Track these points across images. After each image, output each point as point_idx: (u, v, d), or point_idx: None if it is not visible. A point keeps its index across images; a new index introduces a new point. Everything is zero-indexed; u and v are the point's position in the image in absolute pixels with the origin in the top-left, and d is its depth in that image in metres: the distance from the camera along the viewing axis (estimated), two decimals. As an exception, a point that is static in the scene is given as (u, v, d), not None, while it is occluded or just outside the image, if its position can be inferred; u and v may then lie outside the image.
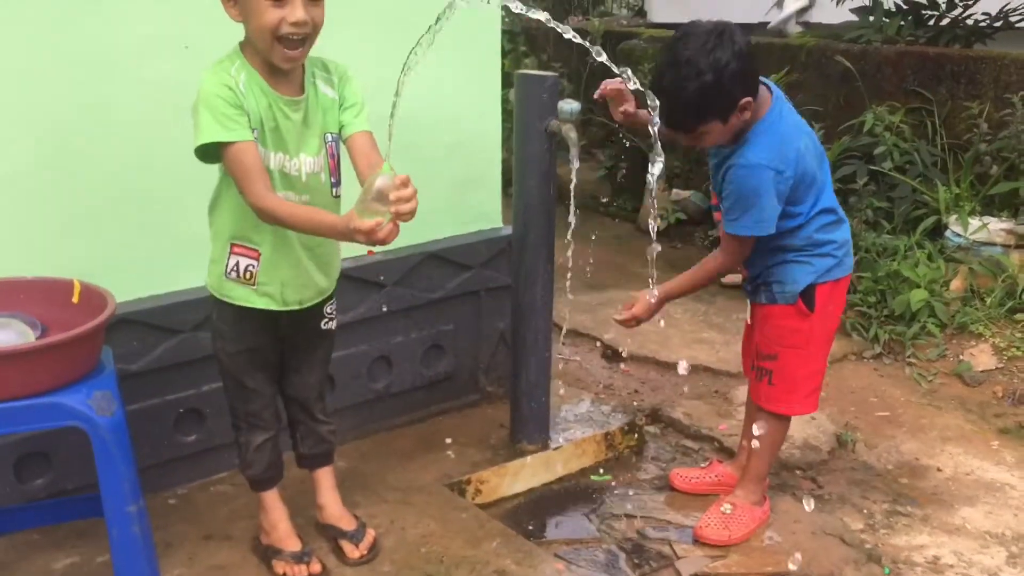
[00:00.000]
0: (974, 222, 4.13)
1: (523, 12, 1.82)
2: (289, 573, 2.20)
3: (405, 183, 1.69)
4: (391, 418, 2.91)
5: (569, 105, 2.49)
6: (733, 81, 2.20)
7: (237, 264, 2.02)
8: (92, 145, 2.28)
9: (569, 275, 2.78)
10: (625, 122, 2.54)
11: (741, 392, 3.32)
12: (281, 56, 1.88)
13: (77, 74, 2.23)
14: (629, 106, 2.50)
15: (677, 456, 3.05)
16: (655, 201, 2.37)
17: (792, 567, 2.45)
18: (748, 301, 2.61)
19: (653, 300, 2.47)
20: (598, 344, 3.92)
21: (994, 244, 4.10)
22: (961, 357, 3.78)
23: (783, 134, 2.30)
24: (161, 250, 2.41)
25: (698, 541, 2.55)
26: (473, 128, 2.91)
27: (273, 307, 2.07)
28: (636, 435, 3.00)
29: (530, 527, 2.59)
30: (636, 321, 2.50)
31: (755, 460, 2.62)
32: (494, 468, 2.69)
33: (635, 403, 3.40)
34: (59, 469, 2.36)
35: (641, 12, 9.13)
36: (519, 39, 6.38)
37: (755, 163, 2.27)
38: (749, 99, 2.26)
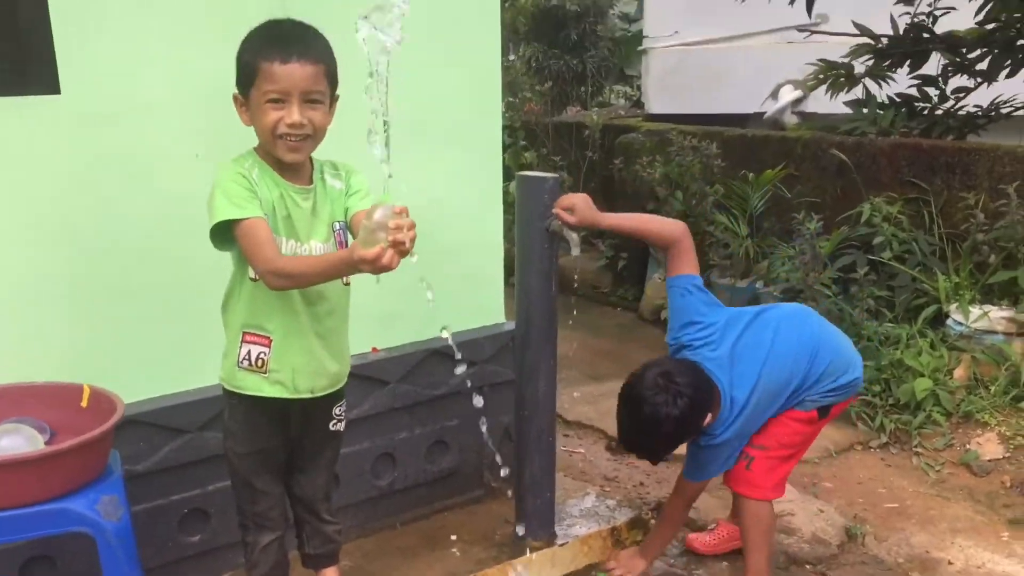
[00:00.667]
0: (975, 311, 4.15)
1: None
2: None
3: (403, 212, 1.74)
4: (395, 515, 2.90)
5: None
6: (693, 419, 2.43)
7: (249, 352, 2.06)
8: (102, 251, 2.34)
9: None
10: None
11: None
12: (284, 149, 1.97)
13: (93, 181, 2.31)
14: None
15: (684, 551, 3.02)
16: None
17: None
18: None
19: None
20: (602, 436, 3.92)
21: (996, 332, 4.12)
22: (968, 446, 3.77)
23: (739, 419, 2.49)
24: (167, 352, 2.45)
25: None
26: (475, 224, 2.97)
27: (284, 395, 2.08)
28: (643, 530, 2.98)
29: (535, 628, 2.56)
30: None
31: (751, 554, 2.63)
32: (499, 566, 2.66)
33: (640, 496, 3.38)
34: (64, 572, 2.34)
35: (639, 103, 9.36)
36: (519, 133, 6.54)
37: (720, 441, 2.50)
38: (709, 415, 2.46)
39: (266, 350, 2.06)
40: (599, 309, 5.86)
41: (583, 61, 8.92)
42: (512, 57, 9.71)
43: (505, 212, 3.20)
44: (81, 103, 2.27)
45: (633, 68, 10.08)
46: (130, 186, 2.36)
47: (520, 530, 2.79)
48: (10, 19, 2.15)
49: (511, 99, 6.99)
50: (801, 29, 5.74)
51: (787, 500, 3.34)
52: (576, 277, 6.00)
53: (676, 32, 8.62)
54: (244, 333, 2.06)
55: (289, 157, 1.99)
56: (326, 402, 2.18)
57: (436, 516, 2.98)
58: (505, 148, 6.31)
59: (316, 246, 2.05)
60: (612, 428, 3.89)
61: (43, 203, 2.26)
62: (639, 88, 9.74)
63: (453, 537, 2.86)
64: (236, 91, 2.00)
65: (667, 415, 2.36)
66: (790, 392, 2.54)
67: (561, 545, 2.80)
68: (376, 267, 1.75)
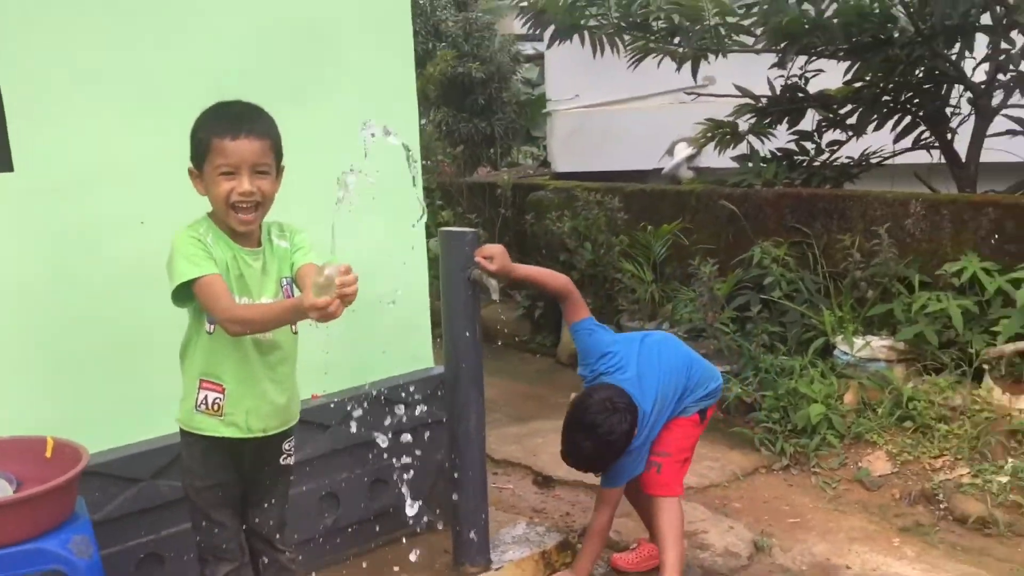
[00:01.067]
0: (858, 341, 4.57)
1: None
2: None
3: (348, 271, 1.99)
4: (342, 551, 3.07)
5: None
6: (632, 432, 2.83)
7: (206, 398, 2.25)
8: (59, 314, 2.51)
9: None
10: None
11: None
12: (236, 220, 2.21)
13: (48, 250, 2.48)
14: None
15: (609, 570, 3.26)
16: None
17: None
18: None
19: None
20: (529, 472, 4.16)
21: (878, 360, 4.53)
22: (860, 464, 4.13)
23: (646, 427, 2.90)
24: (121, 406, 2.61)
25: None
26: (402, 279, 3.20)
27: (238, 435, 2.27)
28: (571, 552, 3.21)
29: (477, 647, 2.76)
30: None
31: (667, 550, 2.95)
32: (441, 589, 2.87)
33: (568, 524, 3.62)
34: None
35: (545, 163, 9.78)
36: (435, 193, 6.85)
37: (635, 447, 2.88)
38: (633, 434, 2.84)
39: (221, 396, 2.26)
40: (519, 356, 6.13)
41: (491, 124, 9.30)
42: (424, 121, 10.05)
43: (429, 268, 3.46)
44: (32, 179, 2.46)
45: (539, 129, 10.49)
46: (79, 253, 2.53)
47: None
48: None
49: (426, 162, 7.30)
50: (689, 92, 6.19)
51: (700, 519, 3.65)
52: (497, 327, 6.29)
53: (577, 95, 9.08)
54: (201, 380, 2.26)
55: (242, 228, 2.22)
56: (277, 439, 2.38)
57: (380, 549, 3.16)
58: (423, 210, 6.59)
59: (267, 302, 2.27)
60: (538, 464, 4.17)
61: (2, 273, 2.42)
62: (545, 148, 10.19)
63: (396, 568, 3.05)
64: (191, 165, 2.23)
65: (621, 432, 2.78)
66: (677, 399, 2.99)
67: (497, 570, 3.01)
68: (324, 315, 1.98)
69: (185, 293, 2.17)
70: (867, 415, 4.38)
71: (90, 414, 2.52)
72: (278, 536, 2.45)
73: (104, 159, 2.57)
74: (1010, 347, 3.96)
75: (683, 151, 8.23)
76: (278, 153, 2.26)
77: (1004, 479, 3.78)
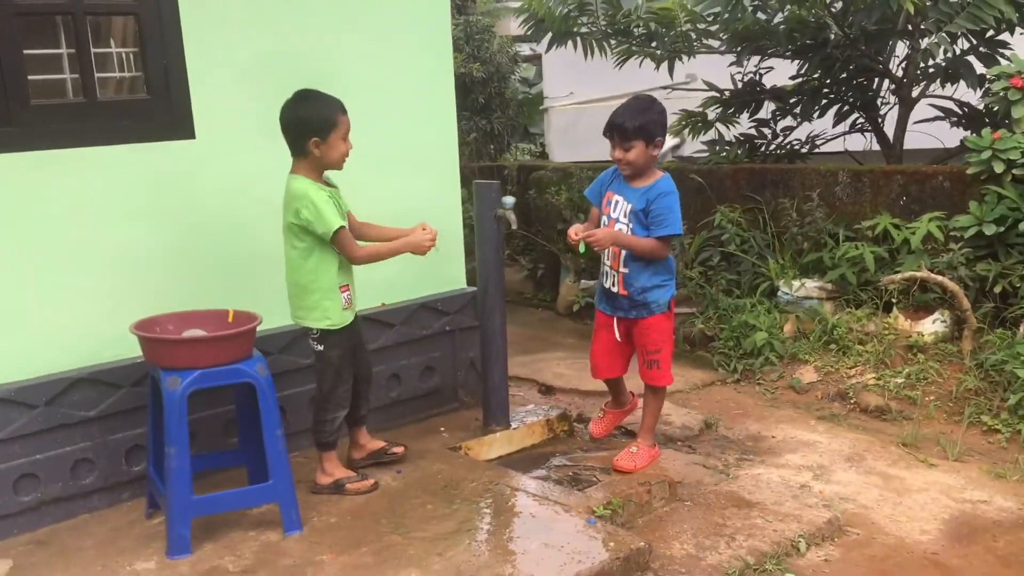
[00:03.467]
0: (796, 284, 5.75)
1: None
2: (360, 487, 3.51)
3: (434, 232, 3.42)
4: (403, 418, 4.24)
5: (509, 199, 3.98)
6: (656, 124, 3.73)
7: (346, 298, 3.44)
8: (227, 239, 3.67)
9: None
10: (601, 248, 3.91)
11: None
12: (342, 163, 3.39)
13: (219, 195, 3.66)
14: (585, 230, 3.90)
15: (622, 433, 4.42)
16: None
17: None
18: (616, 320, 3.98)
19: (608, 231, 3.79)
20: (535, 384, 5.34)
21: (812, 298, 5.72)
22: (793, 376, 5.31)
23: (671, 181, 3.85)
24: (262, 299, 3.77)
25: (615, 470, 3.92)
26: (443, 221, 4.32)
27: (353, 317, 3.51)
28: (567, 422, 4.39)
29: (503, 473, 3.93)
30: (594, 239, 3.68)
31: (648, 418, 4.06)
32: (475, 439, 4.04)
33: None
34: (201, 442, 3.62)
35: (543, 155, 10.92)
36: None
37: (672, 189, 3.78)
38: (661, 140, 3.76)
39: (350, 294, 3.47)
40: (525, 309, 7.32)
41: (491, 122, 10.21)
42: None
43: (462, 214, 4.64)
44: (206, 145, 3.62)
45: (535, 126, 11.50)
46: (239, 196, 3.70)
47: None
48: (165, 93, 3.49)
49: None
50: (666, 87, 7.37)
51: (665, 410, 4.79)
52: (506, 286, 7.43)
53: (571, 93, 10.20)
54: (340, 287, 3.40)
55: (341, 169, 3.41)
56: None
57: (429, 419, 4.35)
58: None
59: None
60: (541, 378, 5.38)
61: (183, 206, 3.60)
62: (542, 144, 11.23)
63: (442, 429, 4.24)
64: (316, 138, 3.28)
65: (650, 107, 3.72)
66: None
67: (514, 428, 4.19)
68: (421, 252, 3.42)
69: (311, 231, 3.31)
70: (802, 341, 5.55)
71: (244, 303, 3.63)
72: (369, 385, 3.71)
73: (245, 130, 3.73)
74: (899, 276, 5.14)
75: (668, 142, 9.43)
76: None
77: (900, 380, 4.96)
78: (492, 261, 4.07)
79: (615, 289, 3.91)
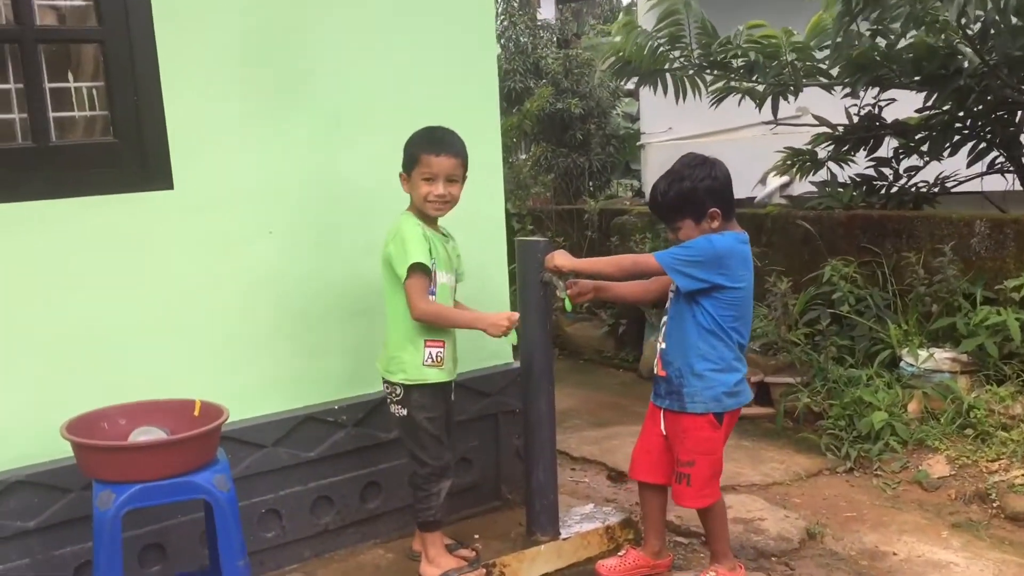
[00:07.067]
0: (923, 353, 4.81)
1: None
2: None
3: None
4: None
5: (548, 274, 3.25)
6: (704, 193, 2.99)
7: (431, 353, 3.04)
8: (206, 307, 3.07)
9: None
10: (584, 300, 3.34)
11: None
12: (431, 208, 3.02)
13: (195, 256, 3.06)
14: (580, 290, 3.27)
15: (670, 549, 3.61)
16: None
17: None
18: (662, 412, 3.20)
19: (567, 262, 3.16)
20: (604, 468, 4.55)
21: (942, 371, 4.76)
22: (920, 467, 4.37)
23: (741, 246, 3.04)
24: (251, 383, 3.15)
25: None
26: (483, 278, 3.65)
27: (449, 379, 3.14)
28: (632, 530, 3.59)
29: (545, 600, 3.16)
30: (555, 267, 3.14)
31: (713, 540, 3.27)
32: (514, 553, 3.29)
33: (634, 513, 3.99)
34: (171, 558, 3.00)
35: (640, 193, 10.17)
36: (526, 219, 7.34)
37: (711, 244, 2.98)
38: (717, 210, 3.00)
39: (442, 350, 3.08)
40: (603, 370, 6.54)
41: (588, 158, 9.69)
42: (523, 156, 10.52)
43: (508, 280, 3.92)
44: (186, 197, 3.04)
45: (637, 162, 10.88)
46: (223, 258, 3.10)
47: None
48: (136, 136, 2.92)
49: (519, 191, 7.82)
50: (769, 123, 6.47)
51: (758, 510, 3.98)
52: (583, 343, 6.69)
53: (670, 128, 9.49)
54: (426, 341, 3.04)
55: (435, 213, 3.05)
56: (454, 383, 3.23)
57: (464, 521, 3.61)
58: (514, 232, 7.09)
59: (445, 276, 3.06)
60: (612, 461, 4.58)
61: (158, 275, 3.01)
62: (641, 180, 10.57)
63: (476, 536, 3.50)
64: (402, 171, 3.02)
65: (697, 179, 2.95)
66: (747, 310, 3.08)
67: (564, 539, 3.42)
68: (497, 334, 3.04)
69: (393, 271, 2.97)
70: (930, 423, 4.61)
71: (226, 390, 3.03)
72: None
73: (247, 178, 3.13)
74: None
75: (775, 180, 8.54)
76: (465, 166, 3.06)
77: (1057, 480, 3.98)
78: (538, 334, 3.34)
79: (655, 368, 3.20)
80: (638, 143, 10.42)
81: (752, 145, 8.23)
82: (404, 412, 3.08)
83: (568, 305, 3.26)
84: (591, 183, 9.70)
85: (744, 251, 3.06)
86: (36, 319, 2.77)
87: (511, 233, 6.43)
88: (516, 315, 3.06)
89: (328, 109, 3.25)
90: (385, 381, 3.12)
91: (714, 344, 3.04)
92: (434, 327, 3.04)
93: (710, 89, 6.28)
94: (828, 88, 5.88)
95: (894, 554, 3.64)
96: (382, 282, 3.07)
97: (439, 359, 3.06)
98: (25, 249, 2.73)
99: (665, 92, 6.32)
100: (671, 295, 3.17)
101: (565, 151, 9.70)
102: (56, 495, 2.77)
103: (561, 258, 3.17)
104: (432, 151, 2.98)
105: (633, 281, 3.33)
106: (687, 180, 2.99)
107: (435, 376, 3.07)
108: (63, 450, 2.61)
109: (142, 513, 2.86)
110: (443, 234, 3.14)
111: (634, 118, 11.32)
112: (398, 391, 3.07)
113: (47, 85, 2.78)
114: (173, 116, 2.94)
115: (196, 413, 2.72)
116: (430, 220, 3.06)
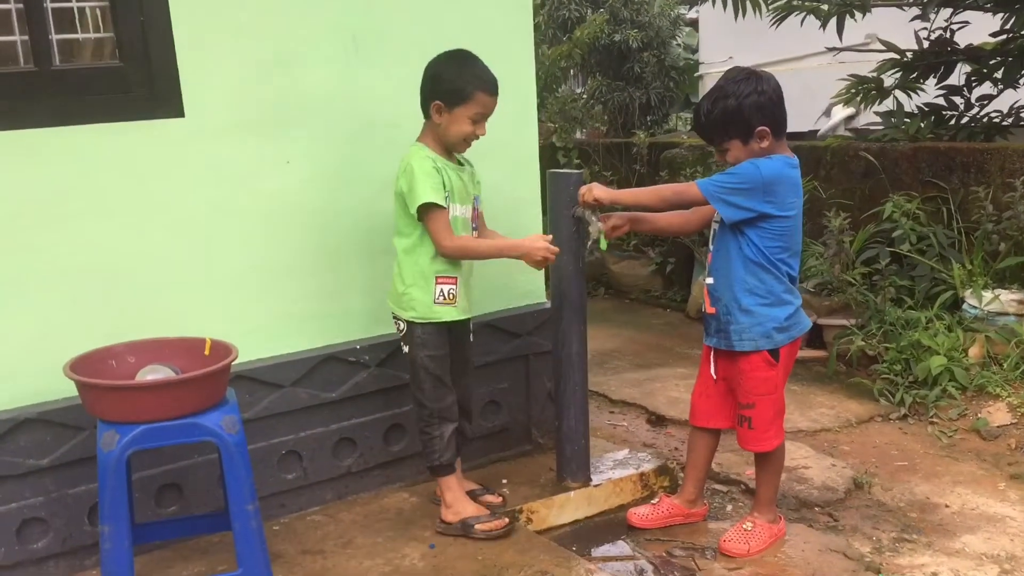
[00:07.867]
0: (987, 295, 4.51)
1: None
2: (492, 529, 2.93)
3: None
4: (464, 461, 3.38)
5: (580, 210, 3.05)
6: (751, 109, 2.75)
7: (442, 291, 2.89)
8: (217, 238, 2.96)
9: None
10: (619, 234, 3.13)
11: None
12: (464, 146, 2.91)
13: (208, 188, 2.93)
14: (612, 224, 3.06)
15: (707, 497, 3.46)
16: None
17: None
18: (712, 352, 3.02)
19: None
20: (644, 411, 4.39)
21: (1007, 314, 4.48)
22: (979, 415, 4.13)
23: (790, 171, 2.82)
24: (264, 321, 3.05)
25: (722, 554, 2.97)
26: (519, 220, 3.49)
27: (462, 317, 2.96)
28: (668, 477, 3.44)
29: (573, 548, 3.03)
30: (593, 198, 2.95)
31: (762, 487, 3.07)
32: (541, 500, 3.17)
33: (674, 458, 3.83)
34: (188, 498, 2.94)
35: (697, 127, 9.78)
36: (572, 152, 7.09)
37: (756, 168, 2.77)
38: (765, 128, 2.77)
39: (455, 287, 2.92)
40: (650, 310, 6.34)
41: (647, 91, 9.30)
42: (579, 90, 10.17)
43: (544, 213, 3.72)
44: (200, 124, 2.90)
45: (698, 95, 10.45)
46: (237, 187, 2.97)
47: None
48: (143, 60, 2.78)
49: (567, 124, 7.56)
50: (839, 50, 6.07)
51: (803, 457, 3.79)
52: (629, 282, 6.48)
53: (730, 58, 9.01)
54: (437, 278, 2.88)
55: (462, 150, 2.93)
56: (469, 322, 3.08)
57: (492, 465, 3.50)
58: (560, 167, 6.86)
59: (460, 209, 2.88)
60: (653, 405, 4.42)
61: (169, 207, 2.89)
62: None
63: (504, 481, 3.37)
64: (439, 102, 2.80)
65: (738, 91, 2.73)
66: (796, 238, 2.88)
67: (595, 486, 3.29)
68: (533, 261, 2.89)
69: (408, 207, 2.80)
70: (991, 368, 4.36)
71: (236, 328, 2.91)
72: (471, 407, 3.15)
73: (250, 110, 2.98)
74: None
75: (840, 112, 8.12)
76: None
77: None
78: (570, 272, 3.17)
79: (703, 305, 3.01)
80: (696, 74, 10.02)
81: (816, 75, 7.84)
82: (406, 349, 2.96)
83: (603, 243, 3.06)
84: (648, 117, 9.36)
85: (794, 176, 2.84)
86: (42, 253, 2.68)
87: (556, 167, 6.22)
88: (553, 246, 2.89)
89: (347, 29, 3.06)
90: (395, 316, 2.98)
91: (762, 277, 2.85)
92: (448, 261, 2.88)
93: (772, 6, 5.92)
94: (899, 6, 5.47)
95: (946, 506, 3.43)
96: (393, 216, 2.92)
97: (451, 296, 2.90)
98: (28, 179, 2.62)
99: (724, 7, 5.97)
100: (715, 226, 2.96)
101: (622, 84, 9.35)
102: (69, 433, 2.71)
103: (599, 190, 2.97)
104: (491, 91, 2.83)
105: (672, 211, 3.12)
106: (732, 97, 2.76)
107: (447, 314, 2.91)
108: (74, 388, 2.53)
109: (158, 453, 2.84)
110: (458, 162, 2.96)
111: (694, 50, 10.90)
112: (402, 326, 2.95)
113: (49, 4, 2.64)
114: (182, 38, 2.79)
115: (206, 352, 2.62)
116: (445, 150, 2.90)
